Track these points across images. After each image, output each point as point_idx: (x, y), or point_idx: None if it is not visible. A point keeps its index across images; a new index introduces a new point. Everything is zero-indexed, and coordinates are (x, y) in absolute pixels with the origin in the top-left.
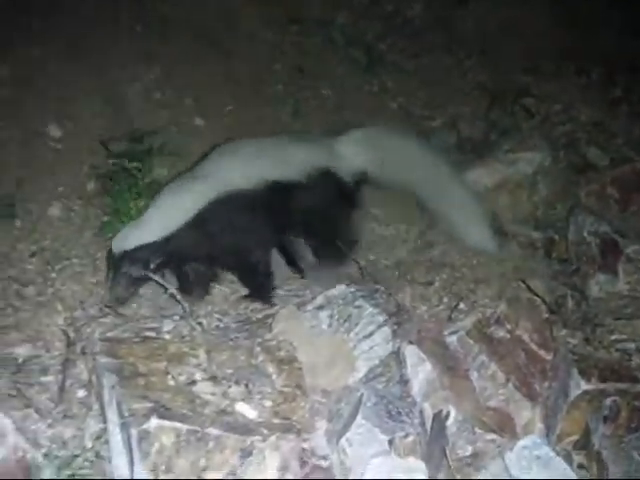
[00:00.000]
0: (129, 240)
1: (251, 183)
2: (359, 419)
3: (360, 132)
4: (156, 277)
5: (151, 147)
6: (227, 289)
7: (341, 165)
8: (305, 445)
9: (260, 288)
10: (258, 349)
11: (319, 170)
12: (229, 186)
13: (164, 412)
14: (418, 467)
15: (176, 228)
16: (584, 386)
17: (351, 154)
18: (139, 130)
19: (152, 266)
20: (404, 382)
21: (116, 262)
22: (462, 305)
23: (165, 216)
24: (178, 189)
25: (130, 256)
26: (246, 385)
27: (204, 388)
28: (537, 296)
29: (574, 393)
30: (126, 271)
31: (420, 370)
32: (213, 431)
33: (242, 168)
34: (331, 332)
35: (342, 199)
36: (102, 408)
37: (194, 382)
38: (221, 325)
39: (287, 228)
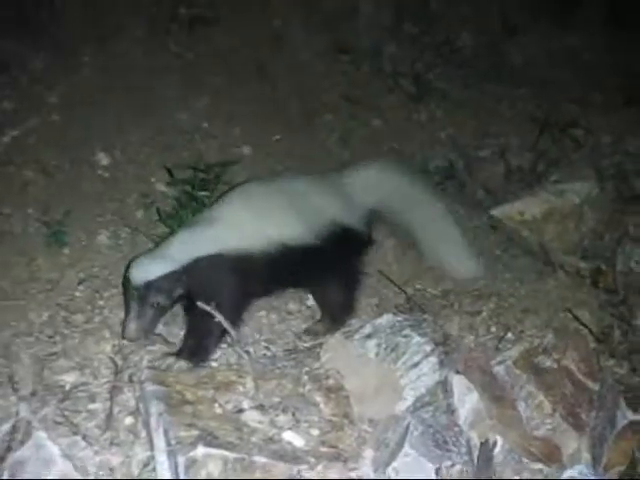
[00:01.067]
0: (152, 270)
1: (258, 243)
2: (406, 448)
3: (368, 168)
4: (205, 306)
5: (218, 176)
6: (275, 317)
7: (353, 212)
8: (352, 474)
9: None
10: (305, 378)
11: (332, 227)
12: (235, 242)
13: (211, 440)
14: None
15: (193, 259)
16: (631, 416)
17: (362, 193)
18: (202, 160)
19: (175, 296)
20: (451, 411)
21: (141, 293)
22: (509, 335)
23: (185, 247)
24: (193, 229)
25: (155, 286)
26: (293, 413)
27: (251, 416)
28: (584, 326)
29: (621, 423)
30: (153, 302)
31: (467, 399)
32: (260, 459)
33: (250, 227)
34: (378, 361)
35: (355, 250)
36: (149, 436)
37: (241, 410)
38: (268, 354)
39: (295, 283)
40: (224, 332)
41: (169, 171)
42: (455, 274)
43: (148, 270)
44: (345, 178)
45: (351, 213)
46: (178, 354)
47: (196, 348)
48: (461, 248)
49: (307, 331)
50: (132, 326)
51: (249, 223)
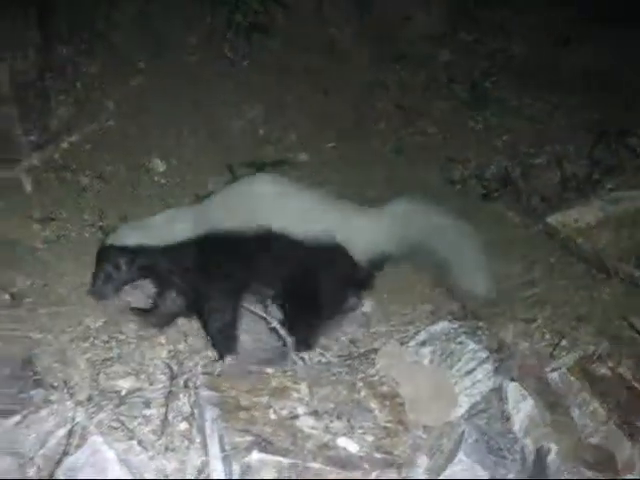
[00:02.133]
0: (130, 238)
1: (241, 224)
2: (460, 455)
3: (394, 209)
4: (259, 311)
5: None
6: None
7: (358, 244)
8: None
9: (219, 336)
10: (360, 384)
11: (325, 237)
12: (216, 224)
13: (266, 446)
14: None
15: (177, 242)
16: None
17: (379, 234)
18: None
19: (143, 267)
20: (505, 418)
21: (111, 256)
22: (564, 342)
23: (171, 228)
24: (187, 210)
25: (128, 252)
26: (348, 420)
27: (306, 422)
28: (639, 334)
29: None
30: (119, 266)
31: (522, 406)
32: (314, 465)
33: (248, 209)
34: (433, 368)
35: (342, 278)
36: (204, 441)
37: (296, 416)
38: (323, 360)
39: (269, 283)
40: (234, 319)
41: (230, 169)
42: (468, 294)
43: (127, 237)
44: (377, 213)
45: (359, 243)
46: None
47: (224, 342)
48: (475, 270)
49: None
50: (98, 285)
51: (240, 208)
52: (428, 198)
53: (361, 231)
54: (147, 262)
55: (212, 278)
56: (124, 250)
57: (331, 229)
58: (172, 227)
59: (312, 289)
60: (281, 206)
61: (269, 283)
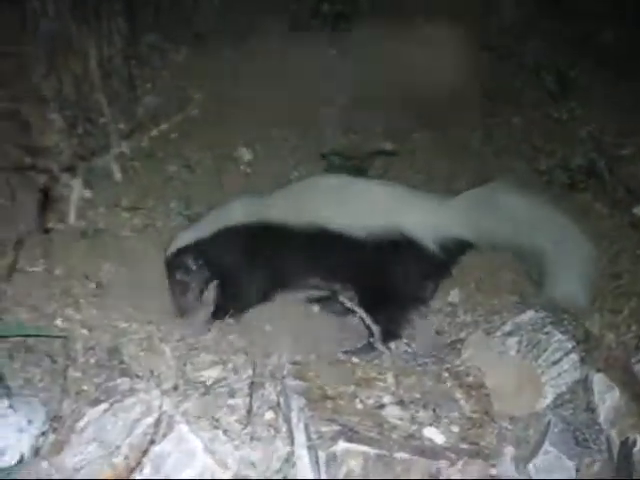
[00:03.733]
0: (186, 238)
1: (293, 219)
2: (546, 445)
3: (474, 195)
4: (347, 301)
5: (365, 169)
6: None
7: (426, 231)
8: (493, 470)
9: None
10: (446, 374)
11: (389, 231)
12: (268, 216)
13: (352, 435)
14: None
15: (207, 234)
16: None
17: (452, 220)
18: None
19: (194, 268)
20: (591, 409)
21: (176, 261)
22: None
23: (206, 223)
24: (232, 205)
25: (190, 250)
26: (434, 410)
27: (392, 412)
28: None
29: None
30: (189, 267)
31: (607, 397)
32: (401, 455)
33: (294, 204)
34: (519, 358)
35: (418, 271)
36: (290, 431)
37: (382, 406)
38: (409, 350)
39: (332, 279)
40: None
41: (324, 157)
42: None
43: (182, 238)
44: (452, 200)
45: (428, 231)
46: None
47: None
48: (576, 276)
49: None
50: (178, 300)
51: (293, 203)
52: (516, 186)
53: (428, 218)
54: (205, 255)
55: (250, 265)
56: (186, 250)
57: (395, 220)
58: (222, 217)
59: (382, 280)
60: (343, 200)
61: (332, 278)
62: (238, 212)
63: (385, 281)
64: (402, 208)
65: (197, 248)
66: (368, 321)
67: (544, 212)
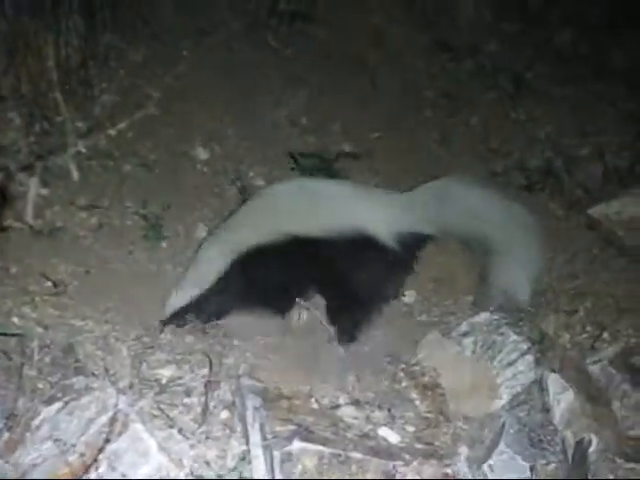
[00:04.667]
0: (167, 307)
1: (267, 237)
2: (501, 446)
3: (428, 189)
4: (304, 303)
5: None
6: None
7: (384, 227)
8: (447, 470)
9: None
10: (402, 374)
11: (348, 231)
12: (245, 243)
13: (307, 435)
14: None
15: (203, 291)
16: None
17: (408, 215)
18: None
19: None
20: (546, 410)
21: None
22: (605, 334)
23: (195, 279)
24: (207, 249)
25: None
26: (389, 410)
27: (347, 412)
28: None
29: None
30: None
31: (562, 398)
32: (356, 455)
33: (262, 221)
34: (475, 359)
35: (375, 266)
36: (245, 430)
37: (338, 406)
38: (365, 350)
39: (307, 284)
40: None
41: (293, 157)
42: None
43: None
44: (406, 195)
45: (385, 227)
46: None
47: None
48: (519, 271)
49: None
50: None
51: (260, 221)
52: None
53: (384, 215)
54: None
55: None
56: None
57: (353, 219)
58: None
59: (346, 283)
60: (304, 206)
61: (301, 283)
62: (219, 260)
63: (349, 284)
64: (358, 207)
65: (197, 305)
66: (324, 323)
67: (496, 205)
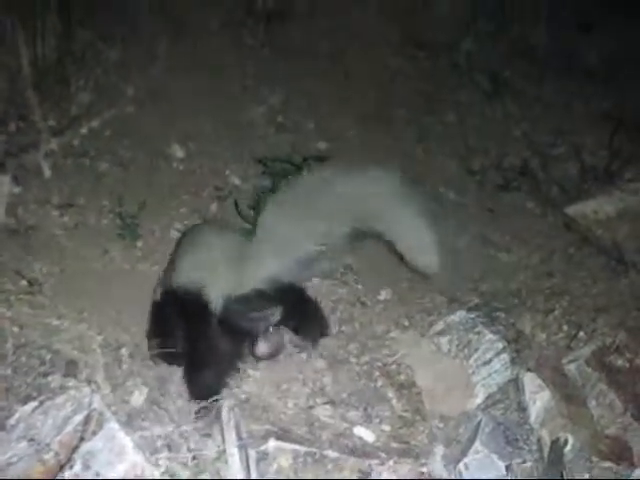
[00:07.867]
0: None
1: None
2: (477, 445)
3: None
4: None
5: (300, 168)
6: (345, 309)
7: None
8: (423, 469)
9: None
10: (377, 373)
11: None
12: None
13: (282, 434)
14: None
15: None
16: None
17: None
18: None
19: None
20: (522, 409)
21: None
22: (581, 333)
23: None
24: None
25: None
26: (365, 409)
27: (323, 411)
28: None
29: None
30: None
31: (538, 397)
32: (331, 454)
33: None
34: (451, 358)
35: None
36: (220, 429)
37: (313, 405)
38: (341, 348)
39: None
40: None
41: (262, 162)
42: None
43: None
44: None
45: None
46: None
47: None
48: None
49: None
50: None
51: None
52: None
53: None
54: None
55: None
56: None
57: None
58: None
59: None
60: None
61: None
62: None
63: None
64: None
65: None
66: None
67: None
